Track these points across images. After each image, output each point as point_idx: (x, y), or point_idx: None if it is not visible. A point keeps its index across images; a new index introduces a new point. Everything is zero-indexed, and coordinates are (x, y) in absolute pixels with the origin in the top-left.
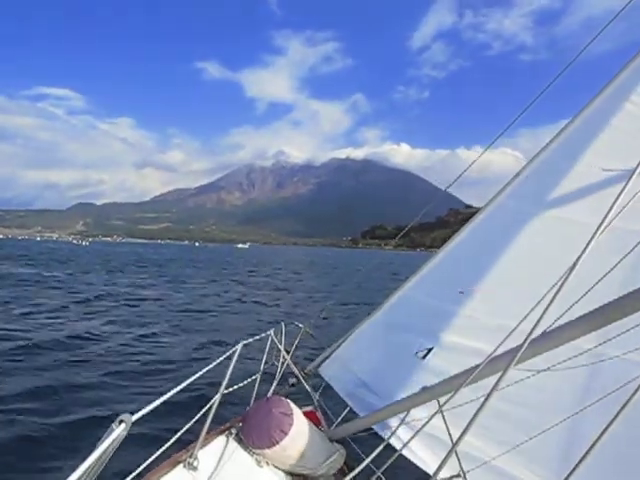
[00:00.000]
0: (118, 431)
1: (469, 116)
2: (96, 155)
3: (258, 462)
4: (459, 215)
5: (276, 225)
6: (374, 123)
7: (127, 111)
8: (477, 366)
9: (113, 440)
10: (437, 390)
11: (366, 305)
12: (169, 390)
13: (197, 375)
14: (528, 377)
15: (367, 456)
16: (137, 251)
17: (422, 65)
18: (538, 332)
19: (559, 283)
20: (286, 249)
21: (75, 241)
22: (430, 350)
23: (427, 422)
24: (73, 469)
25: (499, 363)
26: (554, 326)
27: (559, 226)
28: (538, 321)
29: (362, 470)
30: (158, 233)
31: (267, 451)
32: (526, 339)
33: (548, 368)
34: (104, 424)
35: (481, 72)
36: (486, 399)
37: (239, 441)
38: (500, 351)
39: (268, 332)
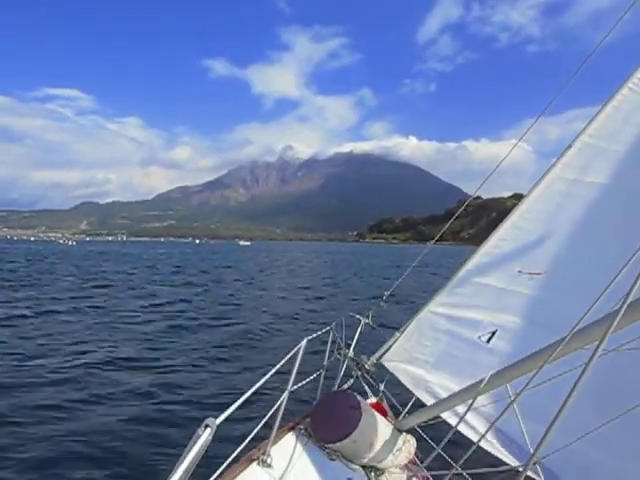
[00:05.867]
0: (205, 436)
1: (476, 108)
2: (104, 154)
3: (329, 456)
4: (469, 207)
5: (280, 221)
6: (381, 117)
7: (135, 110)
8: (556, 344)
9: (201, 446)
10: (506, 375)
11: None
12: (245, 392)
13: (270, 374)
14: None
15: (437, 444)
16: (126, 253)
17: (429, 59)
18: (629, 300)
19: None
20: (292, 245)
21: (61, 240)
22: (494, 333)
23: (502, 413)
24: (164, 478)
25: (587, 337)
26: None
27: (619, 195)
28: (634, 284)
29: (433, 459)
30: (162, 231)
31: (337, 445)
32: (622, 304)
33: (622, 345)
34: None
35: (489, 64)
36: (580, 377)
37: (309, 436)
38: (565, 331)
39: (329, 326)
